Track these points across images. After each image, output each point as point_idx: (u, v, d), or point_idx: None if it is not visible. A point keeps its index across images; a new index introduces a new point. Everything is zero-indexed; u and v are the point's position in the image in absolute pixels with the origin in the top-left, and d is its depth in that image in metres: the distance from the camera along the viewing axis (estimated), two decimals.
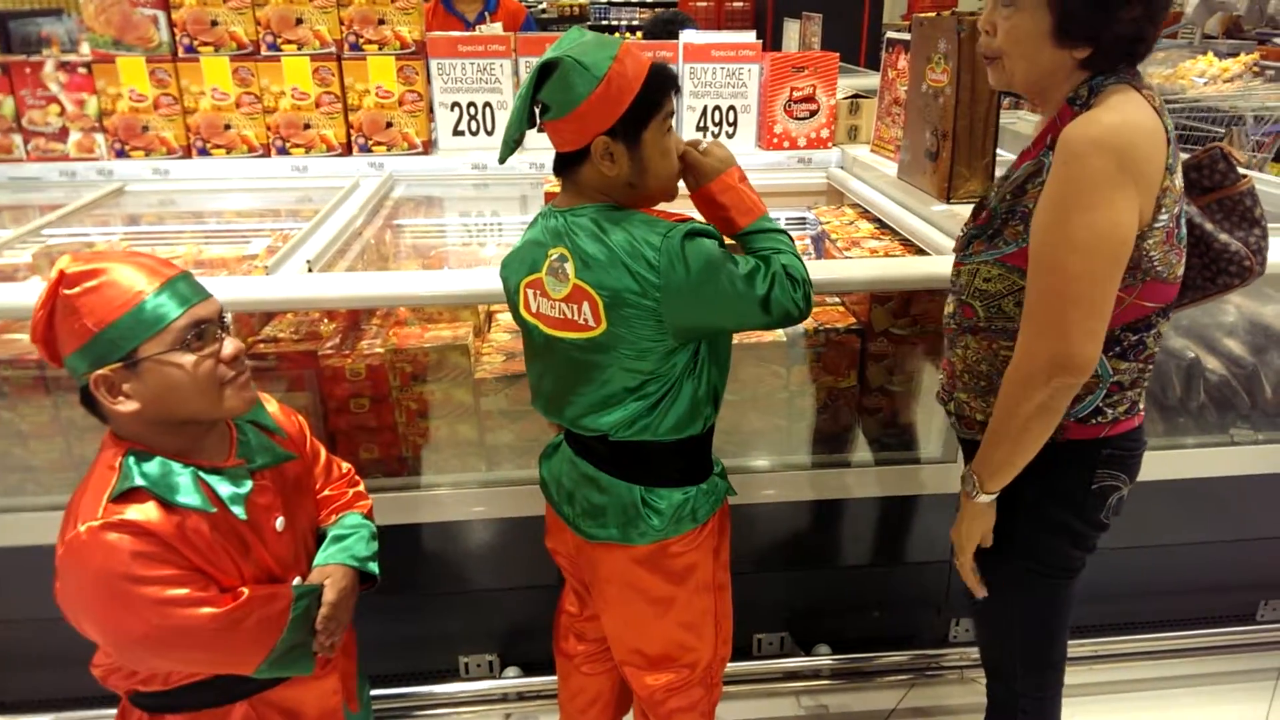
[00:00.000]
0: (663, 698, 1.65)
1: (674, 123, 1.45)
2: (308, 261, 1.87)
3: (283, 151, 2.72)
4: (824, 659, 2.23)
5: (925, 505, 2.13)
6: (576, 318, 1.40)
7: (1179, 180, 1.28)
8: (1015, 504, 1.44)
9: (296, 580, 1.33)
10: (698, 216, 1.49)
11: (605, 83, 1.31)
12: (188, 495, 1.19)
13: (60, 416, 1.92)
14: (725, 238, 1.47)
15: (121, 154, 2.70)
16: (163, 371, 1.16)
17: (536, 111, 1.39)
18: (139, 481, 1.17)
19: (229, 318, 1.26)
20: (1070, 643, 1.75)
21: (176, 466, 1.20)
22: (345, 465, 1.55)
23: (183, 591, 1.16)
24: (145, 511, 1.16)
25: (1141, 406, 1.43)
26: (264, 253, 2.25)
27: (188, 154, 2.71)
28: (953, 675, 2.28)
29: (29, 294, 1.85)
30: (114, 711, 1.35)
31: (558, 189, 1.99)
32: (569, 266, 1.38)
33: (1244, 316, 2.26)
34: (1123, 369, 1.36)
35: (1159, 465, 2.12)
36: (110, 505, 1.15)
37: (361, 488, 1.54)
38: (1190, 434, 2.21)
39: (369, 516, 1.51)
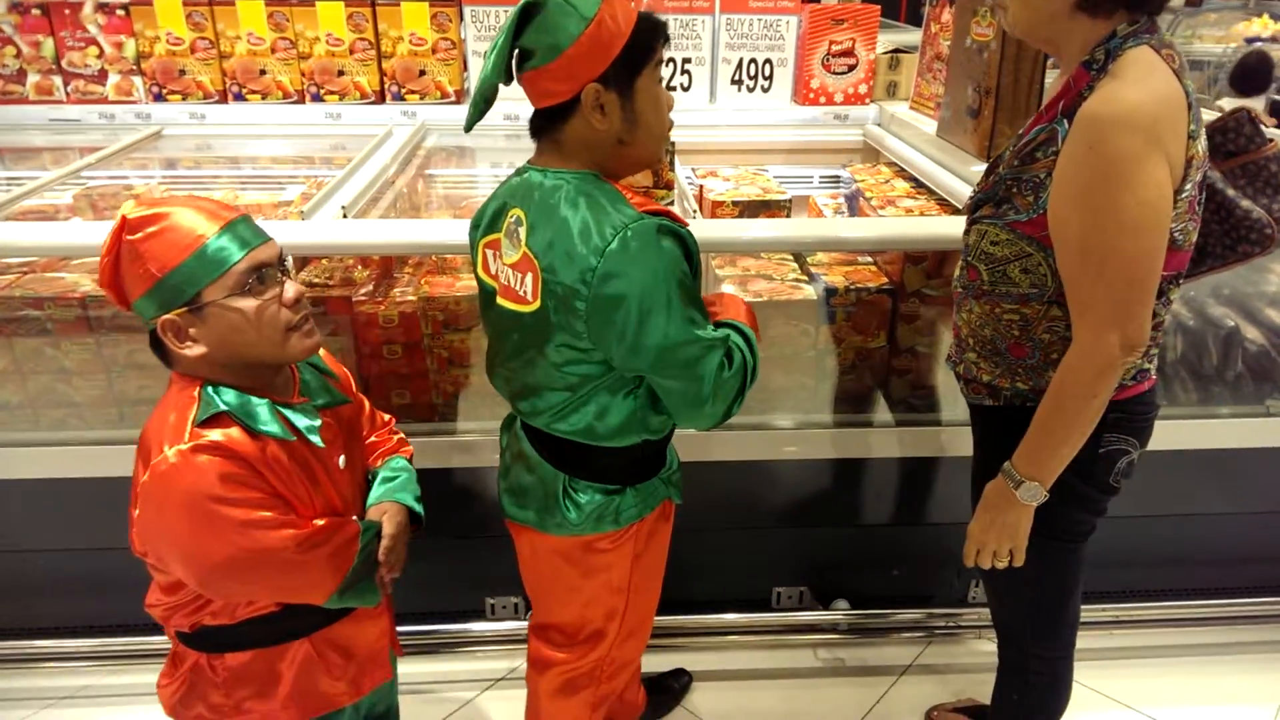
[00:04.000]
0: (552, 673, 1.61)
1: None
2: (343, 207, 1.89)
3: (317, 98, 2.72)
4: (841, 613, 2.25)
5: (948, 467, 2.13)
6: (519, 288, 1.29)
7: (1202, 145, 1.25)
8: None
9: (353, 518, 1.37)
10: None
11: (596, 23, 1.17)
12: (268, 423, 1.22)
13: (103, 354, 1.97)
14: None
15: (159, 97, 2.72)
16: (226, 316, 1.17)
17: (512, 63, 1.25)
18: (223, 407, 1.19)
19: (289, 260, 1.27)
20: (1091, 607, 1.77)
21: (253, 397, 1.23)
22: (386, 415, 1.59)
23: (266, 514, 1.19)
24: (230, 435, 1.18)
25: (1152, 372, 1.42)
26: (298, 199, 2.27)
27: (224, 99, 2.72)
28: (970, 634, 2.30)
29: (69, 233, 1.89)
30: (155, 639, 1.39)
31: None
32: (522, 231, 1.27)
33: None
34: None
35: (1191, 434, 2.11)
36: (196, 429, 1.17)
37: (402, 435, 1.58)
38: (1225, 403, 2.18)
39: (411, 462, 1.54)
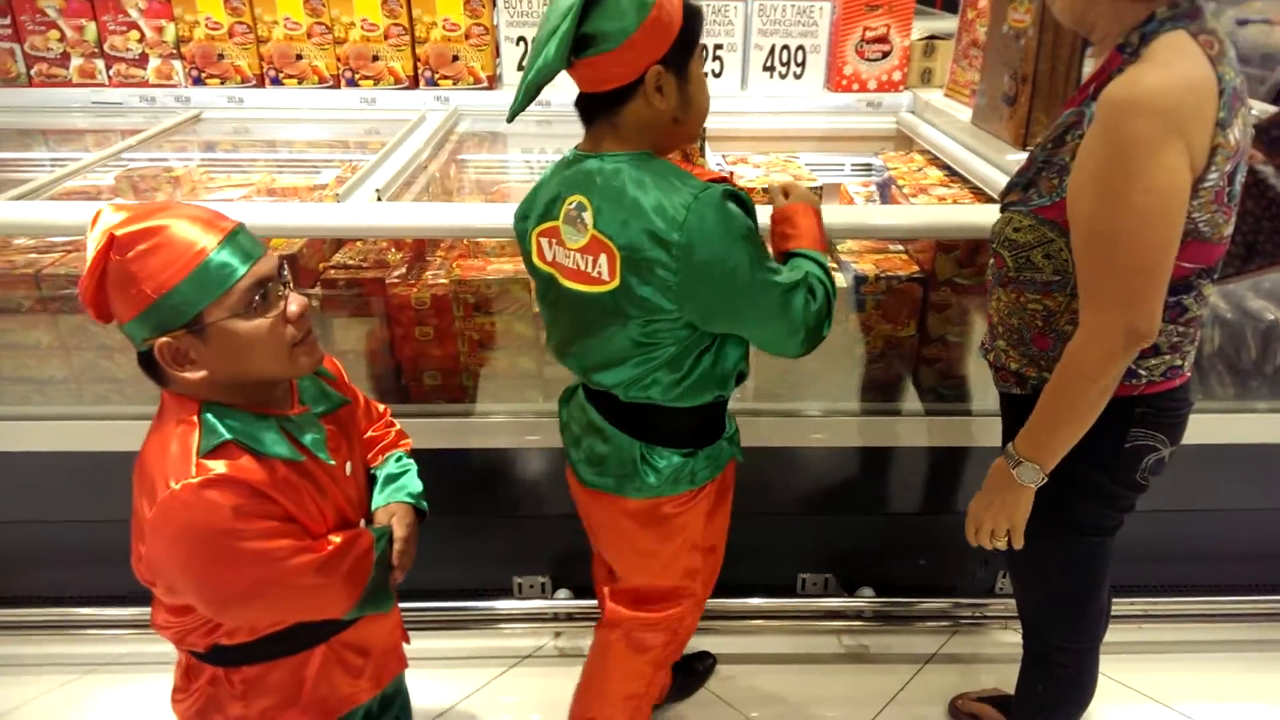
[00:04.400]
0: (628, 627, 1.68)
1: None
2: (377, 190, 1.92)
3: (352, 83, 2.75)
4: (866, 600, 2.26)
5: (977, 457, 2.12)
6: (591, 270, 1.34)
7: (1235, 135, 1.20)
8: None
9: (361, 523, 1.35)
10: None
11: (657, 7, 1.23)
12: (276, 445, 1.17)
13: None
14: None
15: (198, 81, 2.76)
16: (231, 336, 1.11)
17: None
18: (227, 435, 1.13)
19: (287, 272, 1.19)
20: (1121, 601, 1.75)
21: (256, 418, 1.17)
22: (380, 405, 1.55)
23: (285, 542, 1.15)
24: (240, 464, 1.12)
25: (1186, 369, 1.38)
26: (333, 183, 2.30)
27: (261, 83, 2.76)
28: (996, 625, 2.30)
29: None
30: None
31: None
32: (587, 216, 1.31)
33: None
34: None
35: (1227, 428, 2.08)
36: (202, 461, 1.10)
37: (399, 426, 1.55)
38: (1264, 398, 2.15)
39: (410, 454, 1.52)
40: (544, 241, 1.42)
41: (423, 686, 1.67)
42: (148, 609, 1.30)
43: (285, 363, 1.18)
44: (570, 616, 2.25)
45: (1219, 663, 2.22)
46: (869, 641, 2.25)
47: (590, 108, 1.34)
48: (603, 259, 1.32)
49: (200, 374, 1.12)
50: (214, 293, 1.09)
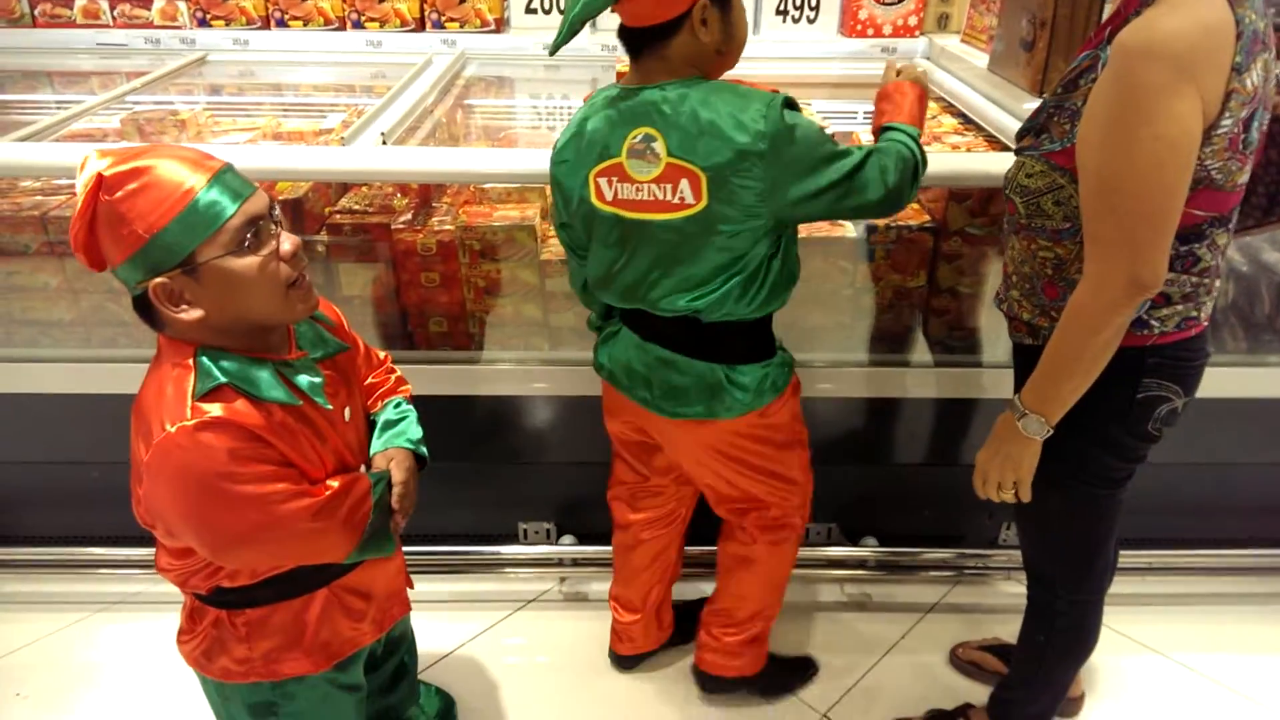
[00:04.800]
0: (755, 534, 1.79)
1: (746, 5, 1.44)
2: (382, 134, 1.90)
3: (358, 25, 2.71)
4: (870, 550, 2.27)
5: (985, 409, 2.12)
6: (671, 197, 1.38)
7: (1252, 80, 1.17)
8: None
9: (361, 469, 1.36)
10: None
11: None
12: (272, 389, 1.17)
13: None
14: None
15: (203, 23, 2.72)
16: (225, 275, 1.10)
17: None
18: (222, 378, 1.12)
19: (278, 211, 1.18)
20: (1126, 553, 1.75)
21: (252, 362, 1.17)
22: (381, 353, 1.55)
23: (281, 486, 1.15)
24: (235, 408, 1.12)
25: (1202, 319, 1.36)
26: (339, 127, 2.28)
27: (266, 24, 2.72)
28: (999, 575, 2.31)
29: None
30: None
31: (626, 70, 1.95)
32: (658, 145, 1.36)
33: None
34: (1169, 277, 1.29)
35: (1238, 382, 2.06)
36: (198, 404, 1.10)
37: (399, 373, 1.55)
38: (1276, 352, 2.12)
39: (411, 401, 1.52)
40: (601, 182, 1.43)
41: (428, 629, 1.70)
42: (155, 550, 1.31)
43: (280, 303, 1.17)
44: (575, 561, 2.28)
45: (1220, 615, 2.23)
46: (872, 590, 2.27)
47: (637, 42, 1.38)
48: (684, 184, 1.36)
49: (196, 314, 1.12)
50: (205, 232, 1.08)
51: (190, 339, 1.15)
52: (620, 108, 1.40)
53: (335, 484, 1.24)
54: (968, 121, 2.31)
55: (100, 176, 1.05)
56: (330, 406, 1.26)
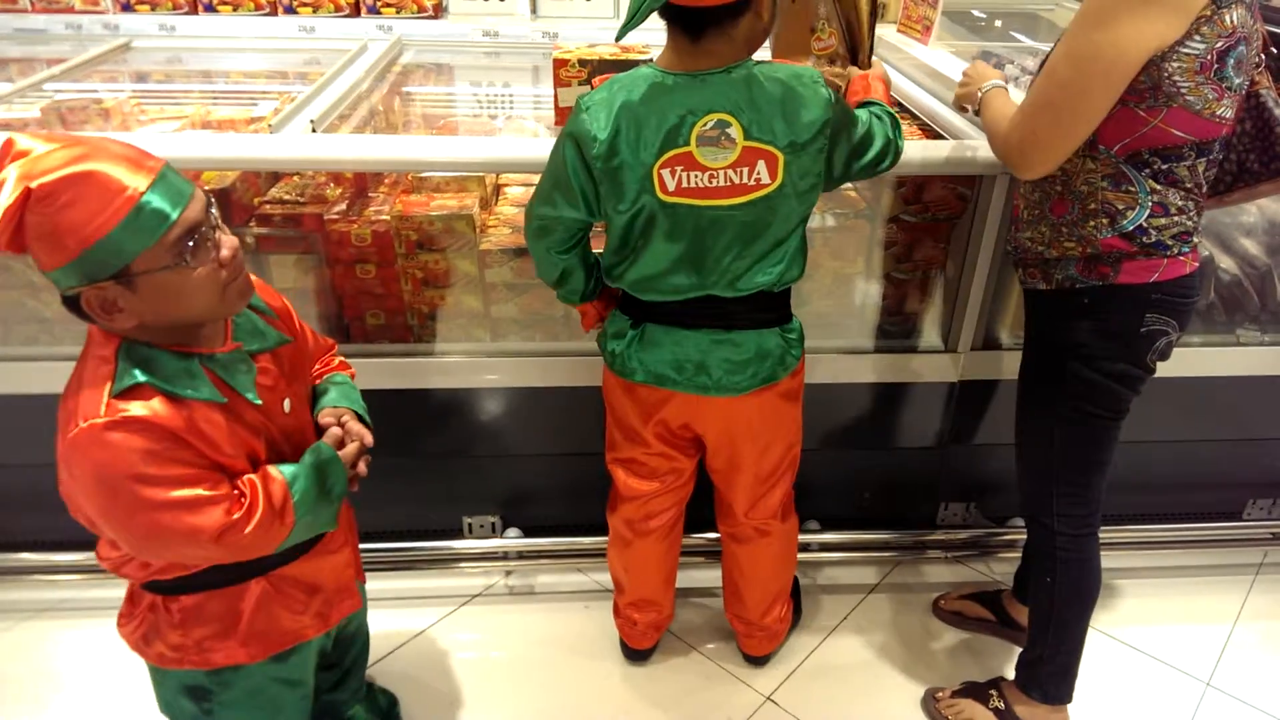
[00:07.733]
0: (777, 512, 1.84)
1: None
2: (311, 121, 1.85)
3: (290, 10, 2.65)
4: (812, 535, 2.30)
5: (920, 393, 2.16)
6: (748, 180, 1.40)
7: (1233, 18, 1.29)
8: (1066, 343, 1.54)
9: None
10: None
11: None
12: (196, 387, 1.14)
13: None
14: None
15: (127, 7, 2.64)
16: (160, 285, 1.07)
17: None
18: (141, 377, 1.10)
19: (215, 212, 1.15)
20: None
21: (177, 357, 1.14)
22: (326, 339, 1.52)
23: (193, 492, 1.12)
24: (152, 407, 1.09)
25: (1195, 247, 1.49)
26: (270, 115, 2.22)
27: (194, 9, 2.65)
28: (936, 554, 2.36)
29: None
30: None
31: (568, 57, 1.93)
32: (733, 131, 1.36)
33: (1264, 217, 2.20)
34: (1159, 190, 1.42)
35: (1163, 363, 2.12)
36: (113, 401, 1.07)
37: (344, 359, 1.52)
38: (1196, 332, 2.20)
39: (353, 381, 1.49)
40: (665, 173, 1.39)
41: (373, 624, 1.68)
42: (91, 554, 1.29)
43: (217, 304, 1.15)
44: (520, 555, 2.26)
45: (1149, 589, 2.31)
46: (814, 574, 2.31)
47: (702, 21, 1.34)
48: (760, 165, 1.39)
49: (129, 322, 1.10)
50: (145, 241, 1.04)
51: (121, 333, 1.13)
52: (682, 94, 1.36)
53: (246, 494, 1.18)
54: (903, 110, 2.34)
55: (28, 191, 0.99)
56: (260, 402, 1.23)
